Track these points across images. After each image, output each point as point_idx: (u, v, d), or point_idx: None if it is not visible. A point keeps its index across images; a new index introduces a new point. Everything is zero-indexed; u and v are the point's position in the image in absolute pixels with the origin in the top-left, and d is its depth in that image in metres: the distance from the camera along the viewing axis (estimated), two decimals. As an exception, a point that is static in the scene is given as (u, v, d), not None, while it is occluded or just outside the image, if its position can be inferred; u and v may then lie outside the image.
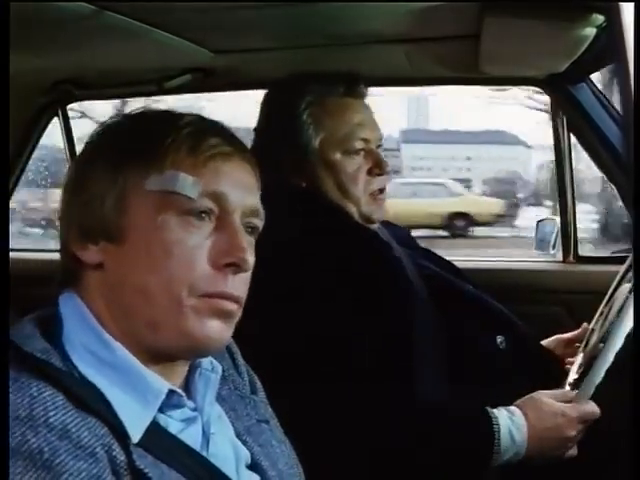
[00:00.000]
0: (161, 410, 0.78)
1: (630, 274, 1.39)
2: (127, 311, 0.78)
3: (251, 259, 0.80)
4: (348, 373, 1.20)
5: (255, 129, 1.50)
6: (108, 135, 0.84)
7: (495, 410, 1.23)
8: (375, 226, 1.45)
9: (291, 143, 1.40)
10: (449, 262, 1.60)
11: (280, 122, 1.42)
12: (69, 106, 2.00)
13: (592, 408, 1.23)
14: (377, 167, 1.41)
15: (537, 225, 2.15)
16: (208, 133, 0.82)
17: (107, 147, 0.82)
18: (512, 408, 1.23)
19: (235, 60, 1.54)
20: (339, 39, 1.42)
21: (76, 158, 0.85)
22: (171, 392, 0.78)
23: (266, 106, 1.49)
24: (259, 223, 0.84)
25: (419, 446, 1.21)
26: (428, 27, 1.34)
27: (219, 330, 0.79)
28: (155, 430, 0.75)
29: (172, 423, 0.78)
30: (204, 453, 0.80)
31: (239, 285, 0.80)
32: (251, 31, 1.36)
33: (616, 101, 1.66)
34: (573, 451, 1.24)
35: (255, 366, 0.99)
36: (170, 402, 0.78)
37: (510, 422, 1.21)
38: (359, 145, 1.40)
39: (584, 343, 1.42)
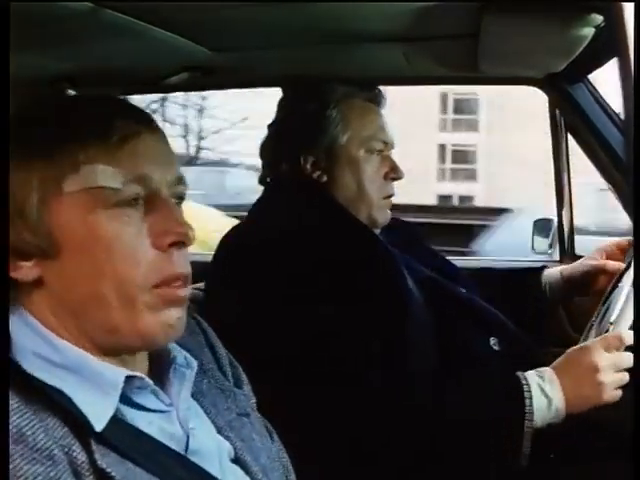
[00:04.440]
0: (131, 400, 0.77)
1: (627, 274, 1.39)
2: (81, 320, 0.76)
3: (191, 232, 0.78)
4: (339, 374, 1.21)
5: (271, 124, 1.52)
6: (17, 130, 0.77)
7: (524, 373, 1.21)
8: (375, 231, 1.47)
9: (318, 137, 1.43)
10: (449, 262, 1.62)
11: (308, 116, 1.45)
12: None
13: (616, 333, 1.19)
14: (393, 171, 1.47)
15: (534, 225, 2.15)
16: (112, 115, 0.78)
17: (14, 149, 0.75)
18: (540, 368, 1.22)
19: (233, 58, 1.54)
20: (336, 38, 1.42)
21: None
22: (130, 378, 0.76)
23: (291, 101, 1.52)
24: (184, 190, 0.82)
25: (451, 421, 1.20)
26: (426, 26, 1.33)
27: (177, 318, 0.78)
28: (119, 424, 0.74)
29: (141, 416, 0.77)
30: (182, 448, 0.79)
31: (184, 262, 0.78)
32: (249, 29, 1.36)
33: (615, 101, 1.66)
34: (614, 392, 1.19)
35: (250, 360, 0.99)
36: (133, 387, 0.77)
37: (540, 379, 1.19)
38: (379, 146, 1.46)
39: (582, 339, 1.42)
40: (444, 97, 19.26)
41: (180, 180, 0.81)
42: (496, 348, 1.41)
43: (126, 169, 0.75)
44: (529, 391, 1.17)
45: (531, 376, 1.20)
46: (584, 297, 1.65)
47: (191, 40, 1.40)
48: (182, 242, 0.77)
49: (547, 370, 1.21)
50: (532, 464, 1.20)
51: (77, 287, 0.75)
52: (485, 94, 19.19)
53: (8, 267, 0.71)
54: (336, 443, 1.20)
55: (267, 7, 1.19)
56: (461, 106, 20.25)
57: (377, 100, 1.51)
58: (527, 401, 1.17)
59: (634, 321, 0.76)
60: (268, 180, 1.52)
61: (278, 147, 1.50)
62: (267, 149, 1.52)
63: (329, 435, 1.20)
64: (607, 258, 1.61)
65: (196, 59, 1.51)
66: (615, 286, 1.42)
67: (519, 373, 1.21)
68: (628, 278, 1.36)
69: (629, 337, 1.18)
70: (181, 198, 0.81)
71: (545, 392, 1.18)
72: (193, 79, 1.62)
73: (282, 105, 1.55)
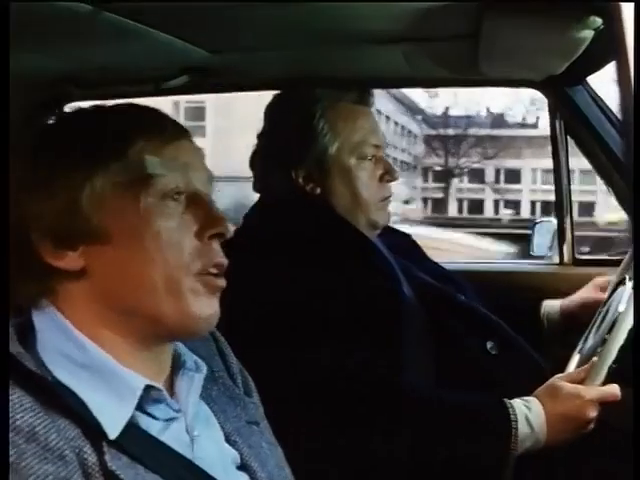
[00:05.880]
0: (143, 409, 0.77)
1: (627, 275, 1.39)
2: (123, 310, 0.78)
3: (229, 225, 0.83)
4: (334, 378, 1.21)
5: (260, 135, 1.50)
6: (61, 134, 0.84)
7: (510, 400, 1.22)
8: (375, 233, 1.46)
9: (308, 150, 1.41)
10: (444, 269, 1.61)
11: (295, 129, 1.42)
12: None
13: (611, 389, 1.20)
14: (388, 173, 1.44)
15: (534, 227, 2.15)
16: (156, 118, 0.84)
17: (65, 146, 0.81)
18: (528, 397, 1.23)
19: (232, 60, 1.53)
20: (336, 39, 1.42)
21: (23, 158, 0.82)
22: (149, 387, 0.78)
23: (276, 112, 1.50)
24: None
25: (436, 442, 1.21)
26: (426, 27, 1.34)
27: (215, 307, 0.82)
28: (133, 430, 0.75)
29: (153, 424, 0.78)
30: (189, 454, 0.79)
31: (221, 253, 0.83)
32: (248, 30, 1.36)
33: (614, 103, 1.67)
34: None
35: (253, 368, 0.99)
36: (149, 398, 0.78)
37: (527, 410, 1.20)
38: (371, 151, 1.43)
39: (580, 344, 1.42)
40: (176, 105, 18.80)
41: (211, 189, 0.86)
42: (493, 352, 1.41)
43: (170, 161, 0.81)
44: (515, 421, 1.19)
45: (519, 407, 1.20)
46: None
47: (188, 42, 1.40)
48: (221, 234, 0.82)
49: (536, 404, 1.21)
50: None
51: (125, 274, 0.78)
52: (212, 102, 19.34)
53: (8, 267, 0.71)
54: (329, 441, 1.21)
55: (266, 8, 1.20)
56: (190, 113, 19.99)
57: (365, 101, 1.48)
58: (513, 431, 1.18)
59: (634, 321, 0.76)
60: (262, 188, 1.50)
61: (268, 161, 1.47)
62: (257, 162, 1.50)
63: (323, 434, 1.21)
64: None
65: (195, 61, 1.51)
66: (615, 288, 1.42)
67: (507, 403, 1.21)
68: (629, 280, 1.36)
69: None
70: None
71: (531, 425, 1.19)
72: (193, 81, 1.62)
73: (268, 114, 1.51)
